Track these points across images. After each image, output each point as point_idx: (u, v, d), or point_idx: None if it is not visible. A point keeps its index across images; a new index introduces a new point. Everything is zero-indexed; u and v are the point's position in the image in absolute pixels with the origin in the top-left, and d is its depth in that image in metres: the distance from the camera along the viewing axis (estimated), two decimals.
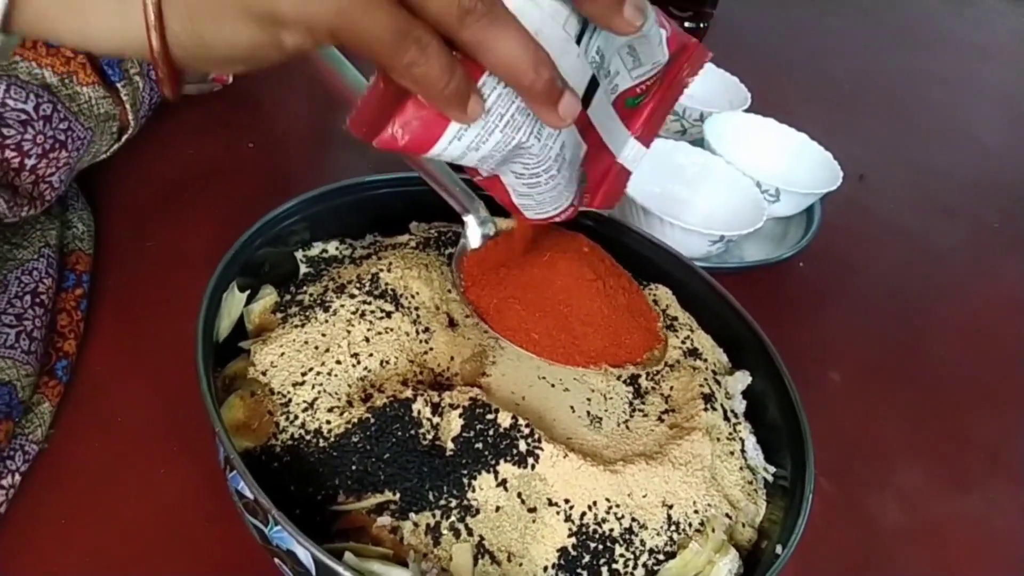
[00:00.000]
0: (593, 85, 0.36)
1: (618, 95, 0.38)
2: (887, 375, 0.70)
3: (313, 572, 0.35)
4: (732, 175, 0.74)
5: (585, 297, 0.47)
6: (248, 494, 0.35)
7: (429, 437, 0.40)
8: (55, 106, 0.50)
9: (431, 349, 0.45)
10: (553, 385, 0.45)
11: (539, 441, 0.40)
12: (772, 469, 0.47)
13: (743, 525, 0.44)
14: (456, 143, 0.32)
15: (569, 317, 0.46)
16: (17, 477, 0.42)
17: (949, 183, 1.01)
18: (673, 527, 0.41)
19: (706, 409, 0.46)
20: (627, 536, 0.39)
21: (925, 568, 0.56)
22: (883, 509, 0.58)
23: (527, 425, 0.40)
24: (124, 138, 0.57)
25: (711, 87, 0.89)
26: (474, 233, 0.47)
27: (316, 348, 0.43)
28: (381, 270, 0.47)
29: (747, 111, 0.85)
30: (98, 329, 0.52)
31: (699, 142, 0.78)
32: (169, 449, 0.47)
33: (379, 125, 0.31)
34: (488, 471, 0.39)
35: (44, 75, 0.50)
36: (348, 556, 0.36)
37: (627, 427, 0.45)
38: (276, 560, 0.37)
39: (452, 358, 0.46)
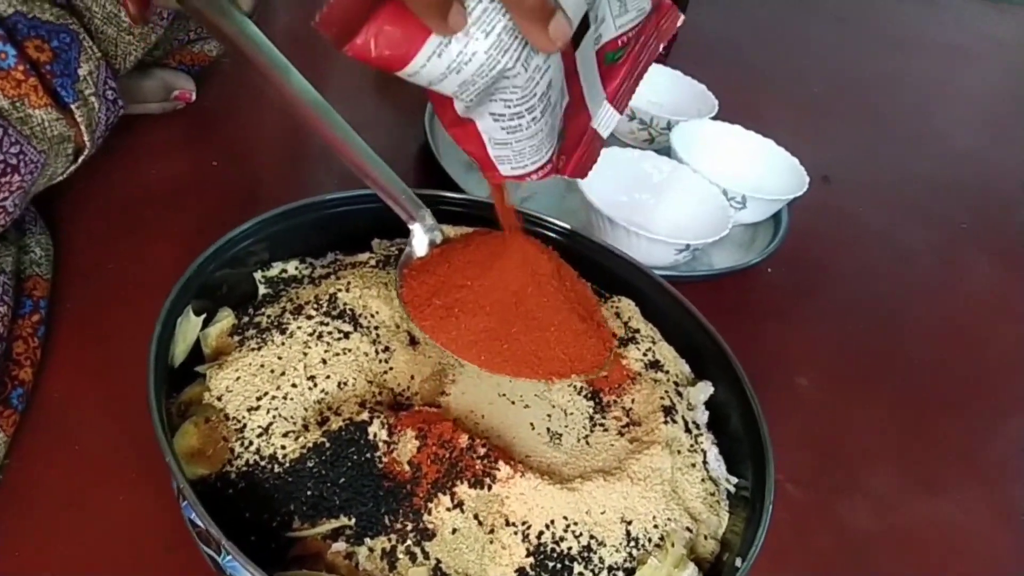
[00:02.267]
0: (584, 25, 0.34)
1: (601, 46, 0.37)
2: (857, 378, 0.70)
3: None
4: (698, 183, 0.74)
5: (538, 301, 0.44)
6: (200, 523, 0.35)
7: (385, 460, 0.39)
8: (6, 130, 0.49)
9: (391, 369, 0.45)
10: (513, 402, 0.45)
11: (495, 461, 0.40)
12: (734, 480, 0.47)
13: (705, 537, 0.44)
14: (436, 60, 0.30)
15: (517, 323, 0.43)
16: None
17: (918, 185, 1.02)
18: (632, 543, 0.40)
19: (666, 422, 0.46)
20: (585, 554, 0.39)
21: (897, 572, 0.56)
22: (854, 514, 0.58)
23: (483, 445, 0.40)
24: (81, 159, 0.56)
25: (679, 96, 0.89)
26: (420, 241, 0.47)
27: (272, 372, 0.43)
28: (339, 290, 0.47)
29: (715, 118, 0.85)
30: (56, 355, 0.51)
31: (667, 151, 0.78)
32: (128, 476, 0.46)
33: (352, 29, 0.28)
34: (444, 493, 0.39)
35: None
36: None
37: (587, 443, 0.45)
38: None
39: (412, 377, 0.46)
